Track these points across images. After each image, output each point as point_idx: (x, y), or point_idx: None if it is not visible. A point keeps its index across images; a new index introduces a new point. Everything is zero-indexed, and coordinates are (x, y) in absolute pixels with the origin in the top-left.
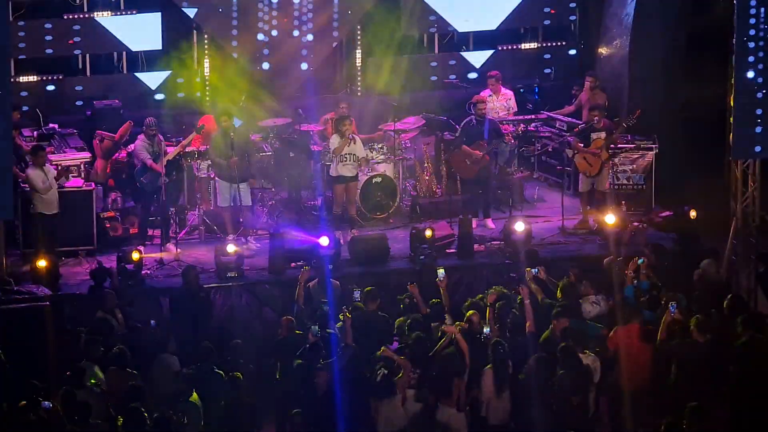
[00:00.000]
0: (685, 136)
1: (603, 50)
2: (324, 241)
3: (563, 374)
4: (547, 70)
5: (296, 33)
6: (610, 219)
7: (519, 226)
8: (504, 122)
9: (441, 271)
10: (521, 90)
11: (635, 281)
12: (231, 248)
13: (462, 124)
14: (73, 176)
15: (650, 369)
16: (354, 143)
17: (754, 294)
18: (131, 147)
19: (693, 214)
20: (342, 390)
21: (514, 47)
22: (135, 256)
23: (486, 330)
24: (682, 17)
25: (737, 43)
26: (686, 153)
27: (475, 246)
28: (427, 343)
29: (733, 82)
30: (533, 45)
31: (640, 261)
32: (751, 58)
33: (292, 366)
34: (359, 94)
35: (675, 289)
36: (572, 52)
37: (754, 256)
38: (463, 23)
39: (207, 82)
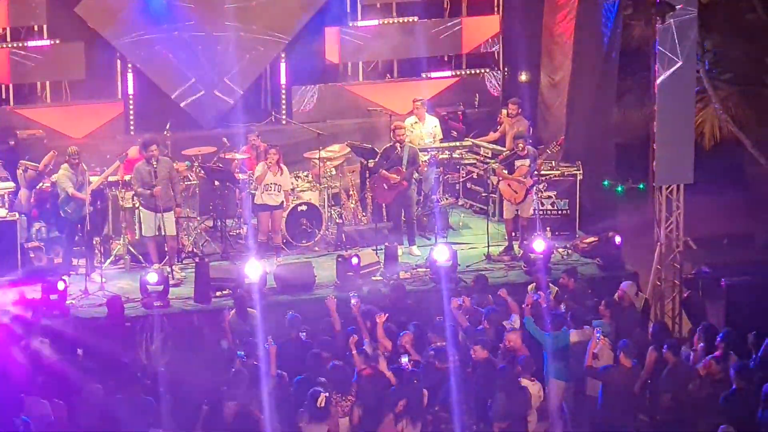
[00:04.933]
0: (614, 162)
1: (525, 77)
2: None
3: (501, 396)
4: (472, 97)
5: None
6: (539, 246)
7: (442, 254)
8: (428, 149)
9: (353, 301)
10: (446, 117)
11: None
12: (155, 278)
13: (383, 149)
14: None
15: None
16: (281, 173)
17: (678, 319)
18: (55, 177)
19: (618, 239)
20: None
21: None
22: (60, 286)
23: (404, 360)
24: (614, 41)
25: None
26: (616, 178)
27: (401, 273)
28: (346, 369)
29: (656, 107)
30: (457, 72)
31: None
32: None
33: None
34: (284, 122)
35: (596, 315)
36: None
37: (678, 281)
38: None
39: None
